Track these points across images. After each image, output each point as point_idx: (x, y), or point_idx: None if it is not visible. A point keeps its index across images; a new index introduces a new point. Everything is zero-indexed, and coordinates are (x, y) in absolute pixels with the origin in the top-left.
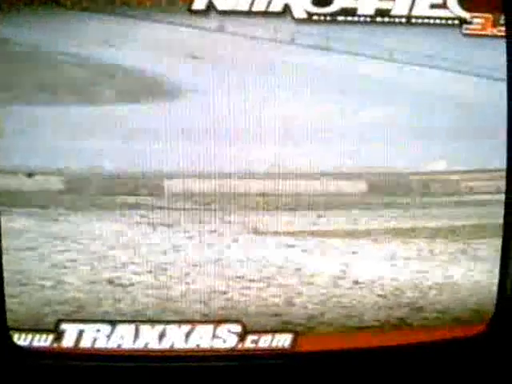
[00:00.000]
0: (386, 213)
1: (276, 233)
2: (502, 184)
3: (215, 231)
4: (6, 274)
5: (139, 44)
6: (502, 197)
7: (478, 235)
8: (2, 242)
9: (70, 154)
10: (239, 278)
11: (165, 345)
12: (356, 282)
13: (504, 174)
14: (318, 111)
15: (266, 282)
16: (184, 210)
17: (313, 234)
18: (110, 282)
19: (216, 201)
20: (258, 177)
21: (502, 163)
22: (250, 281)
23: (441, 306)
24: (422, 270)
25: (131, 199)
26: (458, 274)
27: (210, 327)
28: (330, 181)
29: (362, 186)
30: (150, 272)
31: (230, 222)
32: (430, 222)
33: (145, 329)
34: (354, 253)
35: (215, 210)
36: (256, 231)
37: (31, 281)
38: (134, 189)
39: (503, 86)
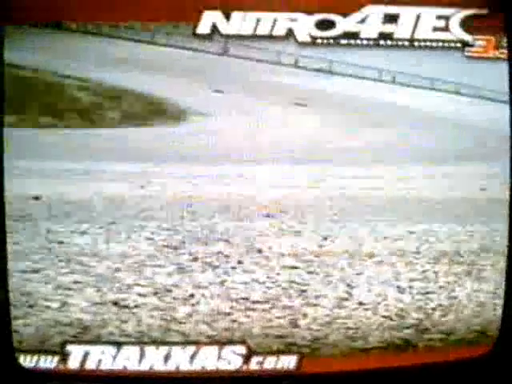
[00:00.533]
0: (390, 234)
1: (281, 254)
2: (506, 206)
3: (220, 253)
4: (11, 296)
5: (144, 67)
6: (506, 218)
7: (482, 256)
8: (8, 263)
9: (75, 176)
10: (244, 299)
11: (170, 366)
12: (360, 303)
13: (508, 194)
14: (321, 133)
15: (271, 304)
16: (189, 231)
17: (318, 255)
18: (115, 303)
19: (221, 223)
20: (262, 198)
21: (505, 185)
22: (255, 302)
23: (445, 328)
24: (426, 292)
25: (136, 221)
26: (463, 295)
27: (215, 349)
28: (332, 201)
29: (364, 208)
30: (155, 294)
31: (234, 244)
32: (435, 243)
33: (150, 350)
34: (358, 274)
35: (220, 233)
36: (261, 253)
37: (36, 302)
38: (138, 211)
39: (506, 108)
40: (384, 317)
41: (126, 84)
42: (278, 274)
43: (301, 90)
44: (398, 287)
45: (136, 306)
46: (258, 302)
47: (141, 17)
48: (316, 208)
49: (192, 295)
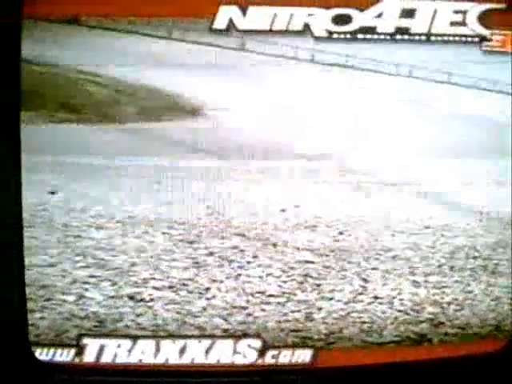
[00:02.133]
0: (406, 228)
1: (296, 248)
2: None
3: (236, 247)
4: (28, 290)
5: (161, 63)
6: None
7: (498, 251)
8: (25, 258)
9: (92, 171)
10: (259, 293)
11: (185, 360)
12: (376, 297)
13: None
14: (336, 128)
15: (286, 298)
16: (204, 226)
17: (333, 250)
18: (131, 297)
19: (236, 217)
20: (277, 192)
21: None
22: (270, 296)
23: (460, 322)
24: (441, 286)
25: (152, 215)
26: (478, 289)
27: (231, 342)
28: (348, 196)
29: (380, 203)
30: (171, 287)
31: (250, 238)
32: (451, 238)
33: (165, 344)
34: (374, 269)
35: (236, 227)
36: (276, 247)
37: (53, 296)
38: (154, 205)
39: None
40: (399, 311)
41: (142, 79)
42: (292, 268)
43: (317, 85)
44: (414, 281)
45: (152, 300)
46: (272, 295)
47: (157, 12)
48: (331, 202)
49: (207, 289)
